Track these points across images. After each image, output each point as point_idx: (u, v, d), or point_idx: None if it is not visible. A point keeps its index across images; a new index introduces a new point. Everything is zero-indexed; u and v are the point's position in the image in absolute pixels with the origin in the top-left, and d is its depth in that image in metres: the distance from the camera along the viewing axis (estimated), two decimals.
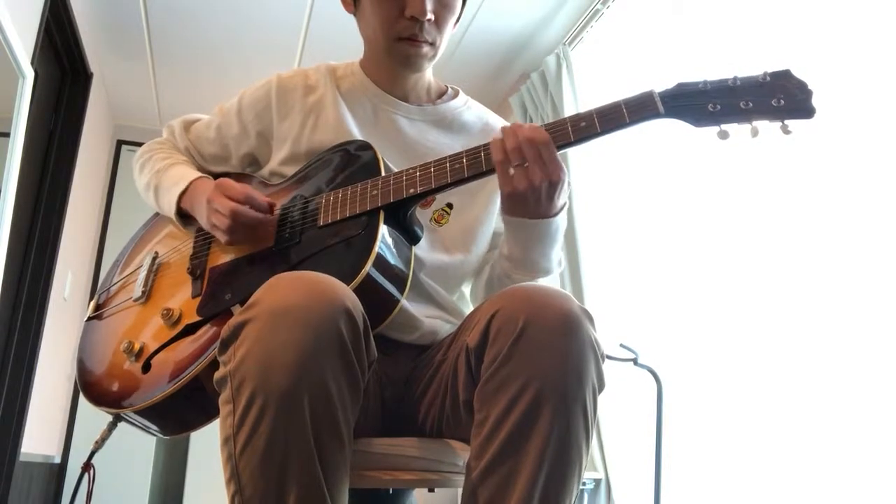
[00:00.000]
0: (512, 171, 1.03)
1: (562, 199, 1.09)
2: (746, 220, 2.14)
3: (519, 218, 1.10)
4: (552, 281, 1.24)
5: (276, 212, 1.18)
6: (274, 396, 0.82)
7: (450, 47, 3.36)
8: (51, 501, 3.54)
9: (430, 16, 1.18)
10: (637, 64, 2.75)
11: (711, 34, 2.35)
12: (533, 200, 1.05)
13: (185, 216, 1.28)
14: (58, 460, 3.63)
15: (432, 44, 1.22)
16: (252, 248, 1.16)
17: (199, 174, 1.29)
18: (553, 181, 1.03)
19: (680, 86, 1.01)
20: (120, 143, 4.22)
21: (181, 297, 1.19)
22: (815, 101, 0.95)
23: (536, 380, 0.90)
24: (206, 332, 1.10)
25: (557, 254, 1.19)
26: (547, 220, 1.10)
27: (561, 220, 1.13)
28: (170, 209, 1.28)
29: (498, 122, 1.36)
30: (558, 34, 3.26)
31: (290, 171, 1.26)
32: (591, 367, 0.92)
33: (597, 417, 0.96)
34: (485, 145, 1.07)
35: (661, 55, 2.59)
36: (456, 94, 1.37)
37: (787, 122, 0.95)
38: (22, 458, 2.92)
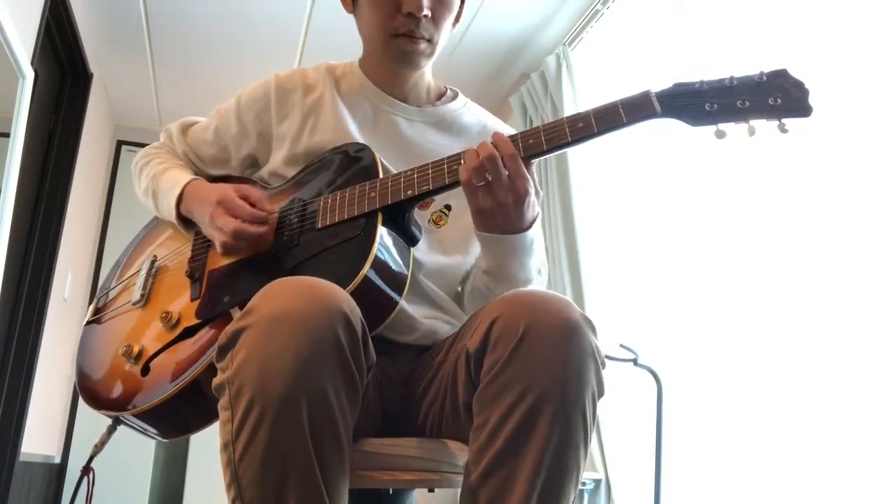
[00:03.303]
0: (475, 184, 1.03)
1: (532, 212, 1.09)
2: (746, 221, 2.14)
3: (491, 234, 1.10)
4: (541, 284, 1.23)
5: (275, 215, 1.18)
6: (272, 403, 0.82)
7: (450, 47, 3.36)
8: (50, 501, 3.54)
9: (426, 12, 1.18)
10: (637, 64, 2.75)
11: (711, 34, 2.35)
12: (501, 216, 1.06)
13: (185, 219, 1.28)
14: (58, 460, 3.64)
15: (430, 40, 1.22)
16: (251, 251, 1.16)
17: (193, 177, 1.28)
18: (518, 195, 1.04)
19: (677, 86, 1.01)
20: (120, 144, 4.22)
21: (180, 300, 1.19)
22: (812, 100, 0.94)
23: (536, 386, 0.90)
24: (205, 334, 1.10)
25: (536, 264, 1.18)
26: (520, 234, 1.10)
27: (534, 233, 1.12)
28: (170, 214, 1.28)
29: (496, 125, 1.36)
30: (558, 34, 3.26)
31: (289, 171, 1.26)
32: (591, 375, 0.92)
33: (596, 424, 0.96)
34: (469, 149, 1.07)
35: (661, 55, 2.59)
36: (455, 96, 1.37)
37: (784, 120, 0.95)
38: (22, 458, 2.92)
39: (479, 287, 1.22)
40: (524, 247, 1.12)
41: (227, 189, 1.19)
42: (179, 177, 1.28)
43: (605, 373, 0.96)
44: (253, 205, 1.15)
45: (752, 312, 2.07)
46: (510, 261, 1.13)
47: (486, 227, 1.09)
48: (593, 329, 0.95)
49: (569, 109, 3.02)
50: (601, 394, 0.95)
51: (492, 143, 1.04)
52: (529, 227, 1.10)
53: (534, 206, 1.09)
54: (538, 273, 1.20)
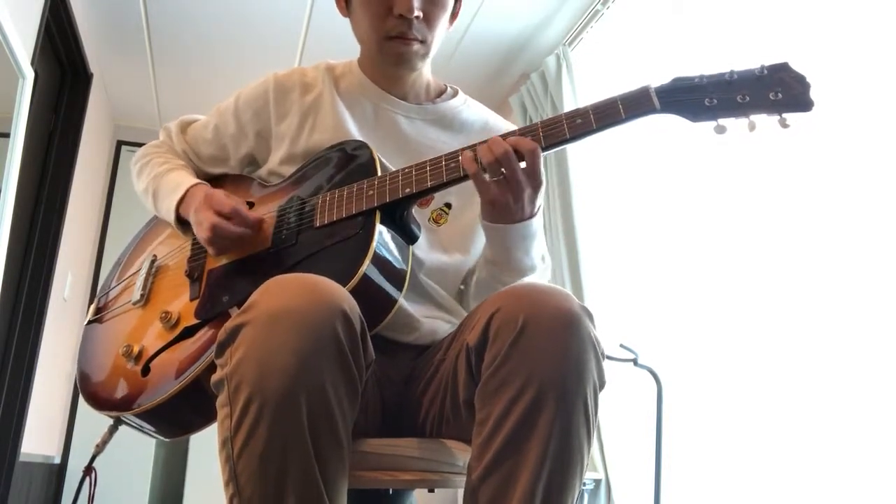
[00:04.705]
0: (488, 179, 1.03)
1: (539, 201, 1.10)
2: (746, 220, 2.14)
3: (500, 224, 1.11)
4: (546, 271, 1.23)
5: (273, 213, 1.18)
6: (271, 399, 0.82)
7: (450, 48, 3.36)
8: (50, 502, 3.54)
9: (417, 13, 1.18)
10: (637, 64, 2.75)
11: (711, 34, 2.35)
12: (517, 209, 1.07)
13: (184, 222, 1.28)
14: (58, 461, 3.63)
15: (423, 41, 1.22)
16: (249, 250, 1.16)
17: (196, 181, 1.28)
18: (535, 189, 1.06)
19: (676, 80, 1.00)
20: (120, 144, 4.22)
21: (179, 300, 1.19)
22: (813, 94, 0.93)
23: (537, 378, 0.90)
24: (205, 334, 1.10)
25: (539, 250, 1.19)
26: (525, 222, 1.11)
27: (538, 220, 1.14)
28: (168, 216, 1.28)
29: (497, 122, 1.36)
30: (558, 35, 3.26)
31: (288, 170, 1.26)
32: (592, 365, 0.92)
33: (598, 415, 0.95)
34: (480, 143, 1.07)
35: (661, 55, 2.59)
36: (455, 94, 1.36)
37: (784, 115, 0.94)
38: (22, 458, 2.92)
39: (484, 278, 1.23)
40: (530, 234, 1.13)
41: (217, 190, 1.20)
42: (183, 179, 1.28)
43: (605, 366, 0.95)
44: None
45: (752, 312, 2.07)
46: (516, 249, 1.14)
47: (496, 218, 1.10)
48: (592, 320, 0.95)
49: (569, 109, 3.01)
50: (602, 384, 0.95)
51: (509, 140, 1.03)
52: (535, 214, 1.11)
53: (542, 196, 1.10)
54: (542, 260, 1.21)
